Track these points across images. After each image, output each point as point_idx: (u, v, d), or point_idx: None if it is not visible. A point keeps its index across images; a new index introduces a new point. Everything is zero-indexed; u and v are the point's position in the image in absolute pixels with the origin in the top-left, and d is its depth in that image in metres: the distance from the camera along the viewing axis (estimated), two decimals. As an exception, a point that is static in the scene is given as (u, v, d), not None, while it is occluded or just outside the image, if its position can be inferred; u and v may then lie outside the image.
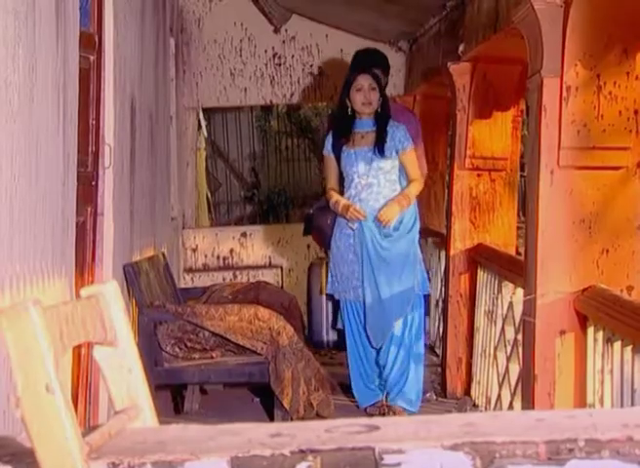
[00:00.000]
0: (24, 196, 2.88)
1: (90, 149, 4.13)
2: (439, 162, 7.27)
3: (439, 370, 5.91)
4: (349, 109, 5.12)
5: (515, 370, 4.53)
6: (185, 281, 7.70)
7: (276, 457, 1.16)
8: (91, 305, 1.36)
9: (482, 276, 5.39)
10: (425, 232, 6.24)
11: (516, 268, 4.54)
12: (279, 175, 13.70)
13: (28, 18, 2.90)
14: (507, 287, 4.83)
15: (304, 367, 4.84)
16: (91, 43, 4.14)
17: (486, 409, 5.09)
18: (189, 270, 7.90)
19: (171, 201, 6.96)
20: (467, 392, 5.53)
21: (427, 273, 5.39)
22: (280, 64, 7.92)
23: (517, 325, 4.54)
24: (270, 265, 7.97)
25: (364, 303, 5.07)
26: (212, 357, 4.91)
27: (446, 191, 6.75)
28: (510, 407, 4.59)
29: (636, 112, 3.71)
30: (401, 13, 6.53)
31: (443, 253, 6.28)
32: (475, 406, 5.29)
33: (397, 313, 5.04)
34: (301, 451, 1.17)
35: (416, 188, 5.13)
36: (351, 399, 5.29)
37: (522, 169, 6.19)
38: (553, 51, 3.69)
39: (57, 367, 1.16)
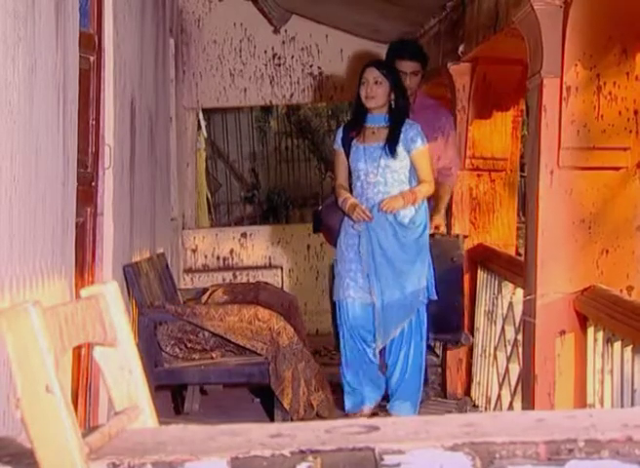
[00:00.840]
0: (24, 196, 2.88)
1: (90, 150, 4.13)
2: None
3: (439, 370, 5.91)
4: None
5: (515, 370, 4.53)
6: (185, 281, 7.70)
7: (276, 458, 1.16)
8: (91, 306, 1.36)
9: (482, 276, 5.39)
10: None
11: (516, 268, 4.54)
12: (279, 175, 13.71)
13: (28, 18, 2.90)
14: (507, 287, 4.83)
15: (305, 367, 4.84)
16: (91, 43, 4.14)
17: (486, 409, 5.10)
18: (189, 271, 7.90)
19: (171, 201, 6.96)
20: (467, 392, 5.53)
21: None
22: (280, 65, 7.92)
23: (517, 325, 4.54)
24: (270, 266, 7.97)
25: (361, 305, 4.91)
26: (212, 357, 4.91)
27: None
28: (510, 407, 4.59)
29: (636, 112, 3.72)
30: (401, 13, 6.53)
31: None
32: (475, 406, 5.30)
33: (398, 319, 4.88)
34: (302, 452, 1.17)
35: (425, 189, 4.90)
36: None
37: (522, 169, 6.19)
38: (553, 51, 3.70)
39: (56, 367, 1.16)
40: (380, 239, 4.86)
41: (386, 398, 5.04)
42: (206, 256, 8.01)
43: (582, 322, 3.72)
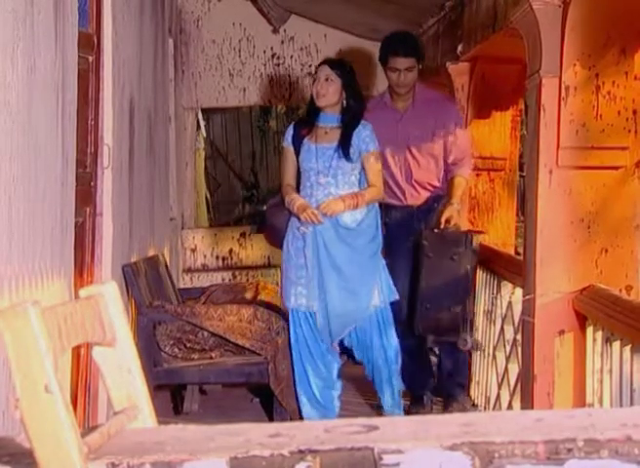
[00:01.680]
0: (23, 197, 2.88)
1: (89, 150, 4.13)
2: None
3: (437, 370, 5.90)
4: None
5: (514, 369, 4.53)
6: (184, 281, 7.70)
7: (275, 458, 1.16)
8: (90, 306, 1.36)
9: (481, 276, 5.39)
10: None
11: (515, 268, 4.54)
12: (278, 175, 13.68)
13: (27, 18, 2.90)
14: (506, 286, 4.83)
15: (304, 367, 4.84)
16: (89, 43, 4.14)
17: (485, 408, 5.09)
18: (188, 270, 7.90)
19: (170, 201, 6.96)
20: (467, 392, 5.52)
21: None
22: (279, 65, 7.92)
23: (516, 324, 4.54)
24: (269, 265, 7.96)
25: (312, 313, 4.75)
26: (211, 357, 4.91)
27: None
28: (509, 406, 4.59)
29: (635, 112, 3.72)
30: (399, 12, 6.53)
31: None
32: (474, 405, 5.29)
33: (346, 324, 4.72)
34: (300, 452, 1.17)
35: (372, 193, 4.73)
36: (352, 398, 5.28)
37: (521, 169, 6.20)
38: (552, 51, 3.70)
39: (56, 367, 1.16)
40: (327, 242, 4.70)
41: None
42: (205, 256, 8.01)
43: (582, 321, 3.73)
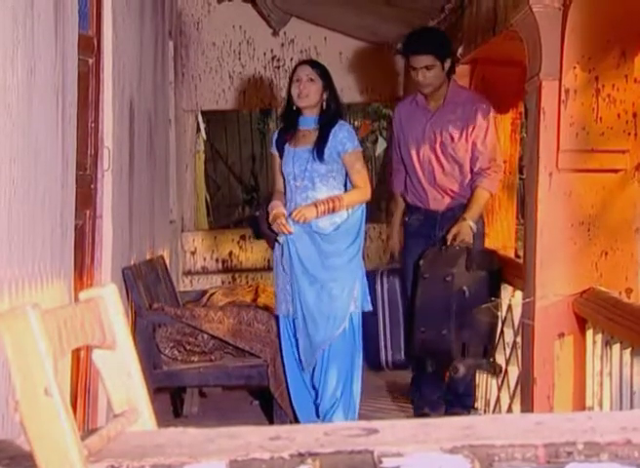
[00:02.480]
0: (23, 199, 2.88)
1: (89, 152, 4.13)
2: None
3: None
4: (295, 105, 4.72)
5: (514, 372, 4.53)
6: (184, 284, 7.70)
7: (275, 460, 1.16)
8: (90, 308, 1.36)
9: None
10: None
11: (515, 271, 4.54)
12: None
13: (27, 21, 2.90)
14: (506, 289, 4.83)
15: (303, 369, 4.84)
16: (90, 46, 4.14)
17: (485, 411, 5.09)
18: (188, 273, 7.90)
19: (170, 204, 6.96)
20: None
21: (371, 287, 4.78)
22: (279, 67, 7.93)
23: (516, 327, 4.54)
24: (269, 268, 7.92)
25: (294, 321, 4.71)
26: (211, 360, 4.91)
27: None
28: (509, 409, 4.59)
29: (635, 115, 3.72)
30: (400, 15, 6.53)
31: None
32: (474, 408, 5.29)
33: (324, 336, 4.61)
34: (300, 455, 1.17)
35: (354, 196, 4.63)
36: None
37: (521, 171, 6.19)
38: (552, 53, 3.70)
39: (55, 370, 1.16)
40: (299, 250, 4.63)
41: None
42: (205, 259, 8.01)
43: (581, 324, 3.73)
